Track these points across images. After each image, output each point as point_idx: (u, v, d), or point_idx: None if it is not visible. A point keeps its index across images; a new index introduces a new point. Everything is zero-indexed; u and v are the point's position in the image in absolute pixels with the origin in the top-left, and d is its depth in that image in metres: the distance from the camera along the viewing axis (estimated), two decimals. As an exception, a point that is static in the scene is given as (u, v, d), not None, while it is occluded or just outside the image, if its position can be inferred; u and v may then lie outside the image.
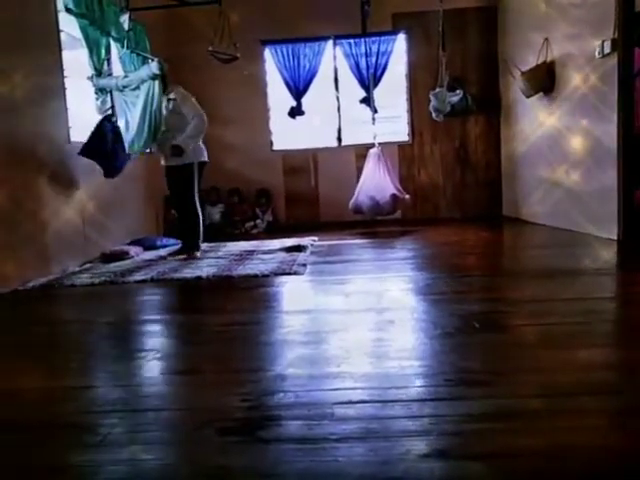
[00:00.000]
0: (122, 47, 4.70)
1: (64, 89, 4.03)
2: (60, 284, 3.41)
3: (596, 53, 4.01)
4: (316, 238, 5.21)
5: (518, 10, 5.67)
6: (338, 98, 6.47)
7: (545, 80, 4.90)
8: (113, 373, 1.90)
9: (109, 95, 4.76)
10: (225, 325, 2.39)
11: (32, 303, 3.10)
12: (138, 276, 3.56)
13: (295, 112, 6.37)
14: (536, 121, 5.34)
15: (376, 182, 5.64)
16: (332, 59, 6.40)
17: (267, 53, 6.44)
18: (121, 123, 4.71)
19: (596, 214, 4.21)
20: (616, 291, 2.81)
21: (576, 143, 4.51)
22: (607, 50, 3.84)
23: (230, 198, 6.39)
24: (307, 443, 1.28)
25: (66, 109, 4.05)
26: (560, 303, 2.46)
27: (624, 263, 3.45)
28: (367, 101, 6.26)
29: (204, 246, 4.73)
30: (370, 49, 6.22)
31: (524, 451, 1.21)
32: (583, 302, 2.43)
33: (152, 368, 1.90)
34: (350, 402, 1.49)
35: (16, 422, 1.52)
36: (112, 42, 4.72)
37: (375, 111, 6.15)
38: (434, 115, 5.66)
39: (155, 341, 2.26)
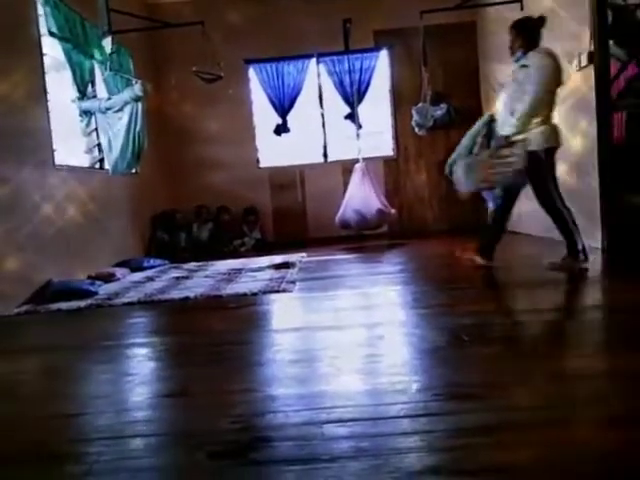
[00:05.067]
0: (105, 69, 4.72)
1: (47, 112, 4.01)
2: (45, 308, 3.36)
3: (573, 65, 4.09)
4: (304, 254, 5.21)
5: (496, 25, 5.78)
6: (323, 115, 6.53)
7: (525, 93, 4.98)
8: (99, 398, 1.87)
9: (93, 117, 4.77)
10: (214, 346, 2.37)
11: (18, 328, 3.06)
12: (125, 298, 3.53)
13: (281, 129, 6.42)
14: (518, 133, 5.41)
15: (362, 197, 5.68)
16: (316, 76, 6.46)
17: (251, 72, 6.49)
18: (104, 144, 4.71)
19: (582, 223, 4.25)
20: (602, 300, 2.83)
21: (559, 153, 4.56)
22: (584, 63, 3.93)
23: (220, 216, 6.39)
24: (298, 464, 1.27)
25: (50, 131, 4.03)
26: (547, 313, 2.47)
27: (609, 271, 3.48)
28: (352, 117, 6.33)
29: (191, 265, 4.70)
30: (353, 66, 6.30)
31: (516, 465, 1.21)
32: (570, 312, 2.44)
33: (140, 392, 1.87)
34: (340, 420, 1.48)
35: None
36: (96, 64, 4.74)
37: (359, 127, 6.21)
38: (417, 130, 5.72)
39: (143, 364, 2.23)
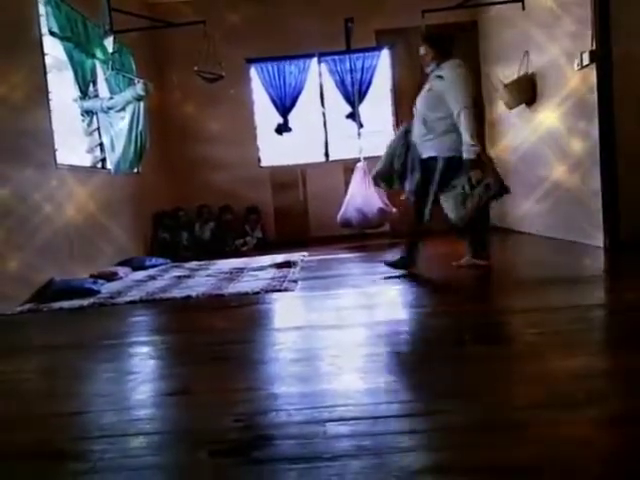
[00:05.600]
0: (107, 69, 4.73)
1: (49, 111, 4.02)
2: (47, 307, 3.38)
3: (575, 65, 4.09)
4: (306, 253, 5.21)
5: (498, 24, 5.79)
6: (324, 114, 6.53)
7: (527, 92, 4.98)
8: (102, 397, 1.88)
9: (95, 116, 4.78)
10: (216, 344, 2.38)
11: (20, 327, 3.07)
12: (127, 297, 3.54)
13: (282, 129, 6.42)
14: (519, 132, 5.43)
15: (363, 196, 5.69)
16: (317, 76, 6.47)
17: (253, 71, 6.50)
18: (107, 144, 4.72)
19: (582, 222, 4.26)
20: (604, 299, 2.84)
21: (560, 153, 4.58)
22: (586, 62, 3.92)
23: (222, 215, 6.39)
24: (300, 462, 1.27)
25: (52, 131, 4.04)
26: (548, 313, 2.48)
27: (611, 271, 3.49)
28: (353, 116, 6.33)
29: (193, 264, 4.71)
30: (354, 65, 6.30)
31: (517, 465, 1.21)
32: (571, 311, 2.45)
33: (142, 390, 1.88)
34: (342, 419, 1.49)
35: (2, 450, 1.49)
36: (97, 64, 4.75)
37: (361, 126, 6.22)
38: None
39: (145, 363, 2.24)
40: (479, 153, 3.34)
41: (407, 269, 3.68)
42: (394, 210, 5.79)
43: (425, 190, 3.56)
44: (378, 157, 6.42)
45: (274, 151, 6.63)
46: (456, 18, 6.02)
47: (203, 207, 6.36)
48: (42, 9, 4.00)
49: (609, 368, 1.80)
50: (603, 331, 2.28)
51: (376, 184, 4.04)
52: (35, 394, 1.97)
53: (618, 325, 2.28)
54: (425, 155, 3.53)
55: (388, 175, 3.77)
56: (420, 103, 3.58)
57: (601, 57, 3.80)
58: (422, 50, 3.55)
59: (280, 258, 4.86)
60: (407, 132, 3.68)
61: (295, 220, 6.60)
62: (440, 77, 3.42)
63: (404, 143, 3.67)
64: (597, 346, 2.06)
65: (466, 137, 3.31)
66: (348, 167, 6.25)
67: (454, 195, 3.44)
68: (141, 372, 2.09)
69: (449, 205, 3.49)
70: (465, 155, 3.35)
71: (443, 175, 3.45)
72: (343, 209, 5.82)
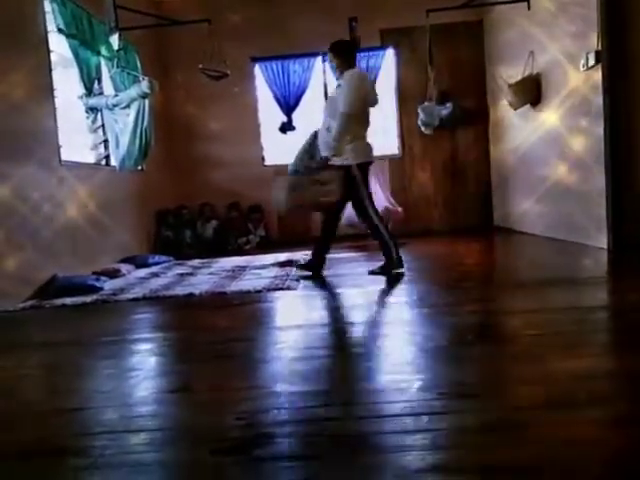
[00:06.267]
0: (112, 66, 4.74)
1: (54, 108, 4.03)
2: (50, 304, 3.38)
3: (580, 65, 4.07)
4: (309, 252, 5.20)
5: (503, 24, 5.77)
6: (328, 113, 6.52)
7: (532, 92, 4.97)
8: (104, 393, 1.88)
9: (99, 114, 4.78)
10: (218, 342, 2.38)
11: (22, 323, 3.08)
12: (130, 294, 3.54)
13: (286, 127, 6.42)
14: (524, 132, 5.41)
15: (368, 195, 5.68)
16: (322, 74, 6.46)
17: (257, 70, 6.50)
18: (111, 141, 4.73)
19: (586, 223, 4.24)
20: (608, 300, 2.83)
21: (564, 154, 4.56)
22: (591, 62, 3.91)
23: (229, 212, 6.40)
24: (302, 460, 1.27)
25: (56, 127, 4.05)
26: (552, 313, 2.47)
27: (614, 272, 3.48)
28: (357, 115, 6.32)
29: (196, 262, 4.72)
30: (359, 64, 6.28)
31: (518, 465, 1.21)
32: (574, 312, 2.44)
33: (144, 387, 1.88)
34: (344, 418, 1.48)
35: (3, 446, 1.50)
36: (103, 61, 4.75)
37: (365, 125, 6.20)
38: (423, 129, 5.71)
39: (147, 360, 2.24)
40: (351, 166, 3.50)
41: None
42: (399, 209, 5.78)
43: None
44: (383, 157, 6.50)
45: (278, 150, 6.62)
46: (461, 17, 6.02)
47: (205, 205, 6.37)
48: (48, 6, 4.01)
49: (611, 369, 1.79)
50: (606, 332, 2.27)
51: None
52: (36, 390, 1.98)
53: (620, 326, 2.27)
54: (337, 163, 3.61)
55: (292, 188, 3.82)
56: (325, 111, 3.70)
57: (609, 57, 3.78)
58: (329, 57, 3.71)
59: (283, 257, 4.86)
60: (316, 137, 3.75)
61: (298, 219, 6.59)
62: (339, 85, 3.56)
63: (310, 149, 3.73)
64: (599, 347, 2.05)
65: (330, 137, 3.45)
66: (352, 166, 6.23)
67: (294, 180, 3.55)
68: (143, 369, 2.09)
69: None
70: (323, 152, 3.50)
71: (342, 181, 3.56)
72: (348, 208, 5.80)
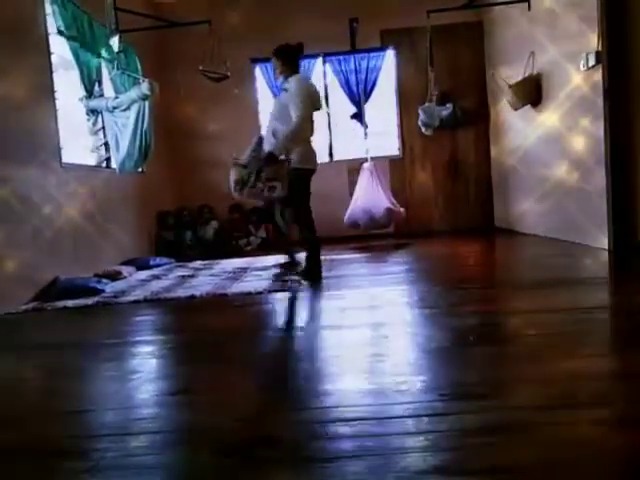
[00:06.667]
0: (113, 68, 4.74)
1: (55, 110, 4.03)
2: (51, 306, 3.38)
3: (580, 65, 4.07)
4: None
5: (503, 25, 5.77)
6: (329, 114, 6.53)
7: (532, 93, 4.97)
8: (105, 396, 1.88)
9: (100, 116, 4.79)
10: (219, 344, 2.38)
11: (24, 326, 3.08)
12: (131, 296, 3.54)
13: (286, 129, 6.41)
14: (524, 133, 5.41)
15: (370, 196, 5.69)
16: (322, 76, 6.46)
17: (257, 71, 6.50)
18: (111, 143, 4.73)
19: (586, 224, 4.24)
20: (608, 301, 2.82)
21: (565, 154, 4.56)
22: (592, 62, 3.91)
23: (232, 213, 6.39)
24: (302, 462, 1.27)
25: (57, 129, 4.05)
26: (553, 314, 2.46)
27: (615, 273, 3.47)
28: (358, 116, 6.33)
29: (197, 264, 4.71)
30: (359, 65, 6.30)
31: (521, 465, 1.21)
32: (575, 313, 2.43)
33: (145, 390, 1.88)
34: (345, 420, 1.48)
35: (4, 448, 1.50)
36: (103, 63, 4.76)
37: (366, 126, 6.21)
38: (423, 130, 5.71)
39: (148, 362, 2.24)
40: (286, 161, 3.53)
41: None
42: (401, 210, 5.79)
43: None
44: (383, 157, 6.50)
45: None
46: (462, 18, 6.03)
47: (204, 207, 6.37)
48: (48, 8, 4.01)
49: (613, 370, 1.78)
50: (607, 333, 2.26)
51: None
52: (38, 392, 1.98)
53: (621, 327, 2.26)
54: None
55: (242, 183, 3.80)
56: (271, 115, 3.75)
57: (609, 57, 3.78)
58: (274, 63, 3.75)
59: (284, 258, 4.84)
60: (261, 143, 3.76)
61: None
62: (286, 90, 3.59)
63: (255, 154, 3.72)
64: (601, 348, 2.04)
65: (282, 135, 3.46)
66: (352, 167, 6.25)
67: (243, 175, 3.58)
68: (144, 371, 2.09)
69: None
70: (267, 147, 3.52)
71: (290, 185, 3.56)
72: (350, 210, 5.81)
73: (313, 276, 3.71)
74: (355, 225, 5.82)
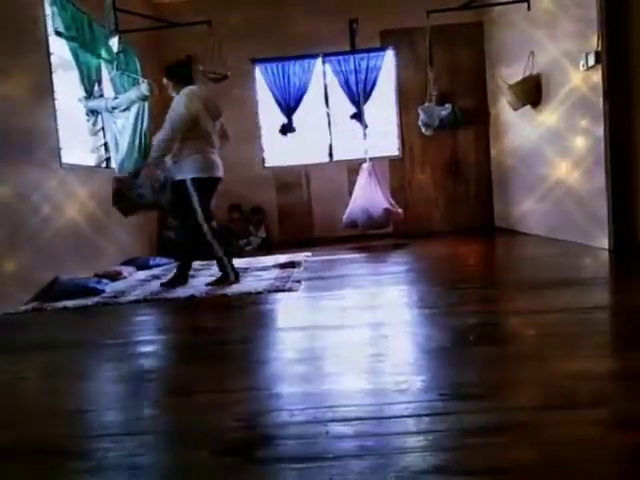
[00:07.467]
0: (112, 69, 4.74)
1: (55, 111, 4.03)
2: (51, 306, 3.38)
3: (580, 65, 4.07)
4: (310, 254, 5.21)
5: (503, 25, 5.77)
6: (329, 114, 6.53)
7: (532, 93, 4.97)
8: (106, 396, 1.88)
9: (100, 116, 4.79)
10: (219, 344, 2.38)
11: (24, 326, 3.08)
12: (131, 297, 3.54)
13: (286, 129, 6.42)
14: (524, 133, 5.41)
15: (369, 196, 5.69)
16: (322, 76, 6.46)
17: (257, 71, 6.50)
18: (111, 144, 4.73)
19: (586, 224, 4.24)
20: (608, 301, 2.82)
21: (564, 154, 4.56)
22: (591, 62, 3.91)
23: (231, 213, 6.39)
24: (302, 462, 1.27)
25: (57, 130, 4.05)
26: (553, 314, 2.46)
27: (615, 273, 3.47)
28: (357, 117, 6.33)
29: (196, 264, 4.71)
30: (359, 65, 6.30)
31: (521, 465, 1.21)
32: (575, 313, 2.43)
33: (145, 390, 1.88)
34: (345, 419, 1.48)
35: (5, 449, 1.50)
36: (103, 64, 4.76)
37: (366, 126, 6.21)
38: (423, 130, 5.71)
39: (148, 362, 2.24)
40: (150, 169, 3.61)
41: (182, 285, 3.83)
42: (400, 210, 5.78)
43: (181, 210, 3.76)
44: (383, 158, 6.50)
45: (278, 151, 6.63)
46: (462, 19, 6.03)
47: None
48: (48, 9, 4.01)
49: (613, 370, 1.78)
50: (607, 333, 2.26)
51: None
52: (38, 393, 1.98)
53: (622, 327, 2.27)
54: (177, 177, 3.69)
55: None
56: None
57: (609, 57, 3.78)
58: (164, 81, 3.80)
59: (284, 258, 4.86)
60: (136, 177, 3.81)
61: (299, 220, 6.60)
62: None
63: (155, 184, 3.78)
64: (601, 348, 2.04)
65: (154, 147, 3.61)
66: (352, 167, 6.25)
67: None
68: (144, 371, 2.09)
69: None
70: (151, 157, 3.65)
71: (196, 194, 3.63)
72: (349, 210, 5.81)
73: (231, 280, 3.79)
74: (353, 225, 5.82)
